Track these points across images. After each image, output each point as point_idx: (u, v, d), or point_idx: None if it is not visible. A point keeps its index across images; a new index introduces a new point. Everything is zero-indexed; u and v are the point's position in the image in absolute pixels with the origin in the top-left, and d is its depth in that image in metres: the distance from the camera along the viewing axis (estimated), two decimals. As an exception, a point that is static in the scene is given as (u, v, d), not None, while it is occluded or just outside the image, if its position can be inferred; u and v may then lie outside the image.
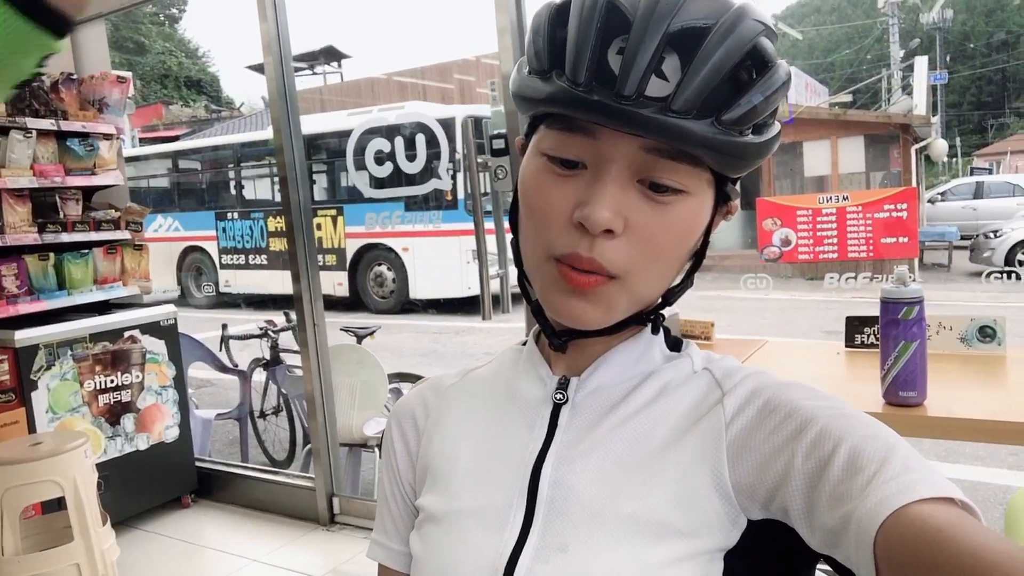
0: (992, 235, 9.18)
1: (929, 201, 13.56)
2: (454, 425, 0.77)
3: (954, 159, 24.36)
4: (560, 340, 0.69)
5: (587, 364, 0.71)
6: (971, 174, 19.03)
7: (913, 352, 1.57)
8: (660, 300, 0.69)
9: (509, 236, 0.72)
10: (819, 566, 0.67)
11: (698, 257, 0.68)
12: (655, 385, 0.69)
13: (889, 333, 1.58)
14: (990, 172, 19.69)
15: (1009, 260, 8.76)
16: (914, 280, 1.58)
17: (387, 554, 0.80)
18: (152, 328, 3.35)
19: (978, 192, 13.84)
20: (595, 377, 0.70)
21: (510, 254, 2.94)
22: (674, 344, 0.74)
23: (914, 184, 10.03)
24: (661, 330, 0.72)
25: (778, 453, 0.59)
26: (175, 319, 3.46)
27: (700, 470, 0.63)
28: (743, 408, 0.64)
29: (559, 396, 0.71)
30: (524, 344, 0.79)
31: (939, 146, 11.44)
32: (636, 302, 0.65)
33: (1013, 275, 7.30)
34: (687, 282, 0.70)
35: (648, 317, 0.69)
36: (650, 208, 0.60)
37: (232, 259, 10.68)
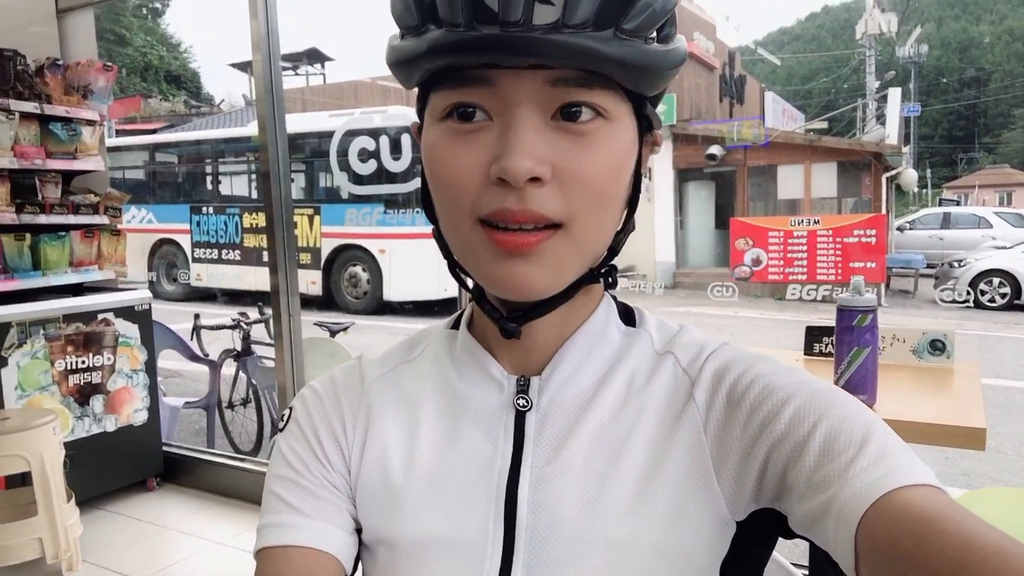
0: (956, 264, 9.41)
1: (898, 229, 13.82)
2: (393, 430, 0.66)
3: (924, 190, 24.86)
4: (513, 325, 0.59)
5: (539, 355, 0.64)
6: (940, 205, 19.44)
7: (865, 357, 1.65)
8: (607, 252, 0.62)
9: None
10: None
11: (634, 199, 0.62)
12: (621, 378, 0.64)
13: (844, 339, 1.67)
14: (958, 204, 20.12)
15: (972, 289, 8.98)
16: (869, 292, 1.67)
17: (309, 534, 0.63)
18: (126, 312, 3.37)
19: (945, 222, 14.13)
20: (557, 375, 0.63)
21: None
22: (625, 312, 0.69)
23: (884, 211, 10.24)
24: (614, 305, 0.68)
25: (755, 443, 0.57)
26: (149, 304, 3.48)
27: (690, 488, 0.59)
28: (713, 397, 0.61)
29: (522, 402, 0.63)
30: (453, 328, 0.70)
31: (909, 176, 11.69)
32: (584, 256, 0.58)
33: (977, 304, 7.47)
34: (628, 226, 0.63)
35: (599, 272, 0.62)
36: (572, 145, 0.54)
37: (205, 253, 10.63)
